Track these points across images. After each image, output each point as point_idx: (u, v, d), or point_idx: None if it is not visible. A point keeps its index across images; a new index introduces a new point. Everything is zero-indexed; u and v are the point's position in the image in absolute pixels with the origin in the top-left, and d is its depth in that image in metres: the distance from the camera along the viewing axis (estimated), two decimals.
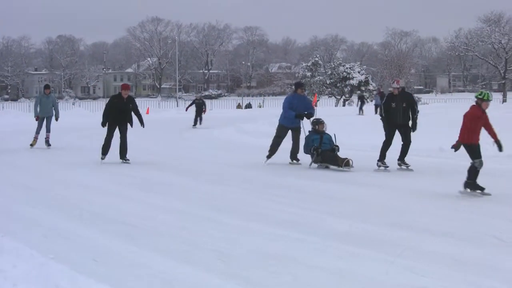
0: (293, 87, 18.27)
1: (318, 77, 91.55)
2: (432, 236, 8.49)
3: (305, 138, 16.77)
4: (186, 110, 40.33)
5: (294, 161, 17.20)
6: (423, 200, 11.40)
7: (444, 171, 15.13)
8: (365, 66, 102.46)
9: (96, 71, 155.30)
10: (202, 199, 11.71)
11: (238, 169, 16.10)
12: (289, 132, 17.32)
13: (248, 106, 77.92)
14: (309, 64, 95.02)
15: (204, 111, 36.83)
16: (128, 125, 17.72)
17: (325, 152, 16.15)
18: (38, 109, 22.37)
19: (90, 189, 13.12)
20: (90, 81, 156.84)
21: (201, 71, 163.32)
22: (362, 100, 55.90)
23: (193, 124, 36.15)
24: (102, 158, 17.43)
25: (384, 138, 15.80)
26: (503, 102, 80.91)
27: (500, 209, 10.47)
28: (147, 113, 53.48)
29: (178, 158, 18.97)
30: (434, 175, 14.66)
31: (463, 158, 13.16)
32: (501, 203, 10.94)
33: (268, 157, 17.21)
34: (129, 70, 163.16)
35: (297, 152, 17.19)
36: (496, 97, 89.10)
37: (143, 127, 17.75)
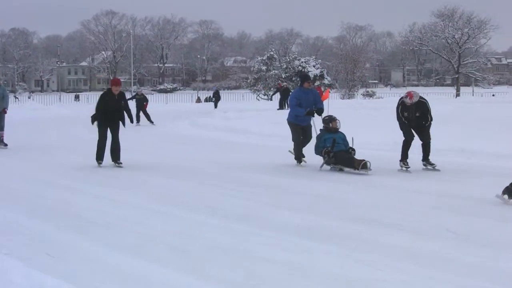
0: (299, 80, 16.57)
1: (274, 71, 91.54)
2: (387, 230, 8.54)
3: (316, 137, 15.18)
4: None
5: (298, 163, 15.63)
6: (378, 193, 11.49)
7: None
8: (320, 60, 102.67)
9: (50, 64, 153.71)
10: (156, 193, 11.66)
11: (192, 163, 16.05)
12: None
13: (209, 99, 77.45)
14: (264, 58, 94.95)
15: (145, 106, 33.58)
16: (121, 124, 15.86)
17: (339, 153, 14.42)
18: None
19: (43, 184, 12.99)
20: (44, 74, 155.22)
21: (156, 64, 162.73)
22: (286, 93, 52.72)
23: (136, 121, 29.50)
24: (100, 164, 15.55)
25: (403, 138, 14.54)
26: (456, 96, 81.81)
27: (454, 202, 10.57)
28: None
29: (132, 152, 18.85)
30: (388, 170, 14.73)
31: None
32: (452, 197, 11.05)
33: (298, 160, 15.63)
34: (84, 63, 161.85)
35: (303, 146, 15.73)
36: (450, 91, 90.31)
37: (132, 122, 17.00)
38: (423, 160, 14.45)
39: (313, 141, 15.41)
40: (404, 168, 14.25)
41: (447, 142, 16.85)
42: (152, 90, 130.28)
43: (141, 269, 6.78)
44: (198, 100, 78.90)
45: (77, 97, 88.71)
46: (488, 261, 7.00)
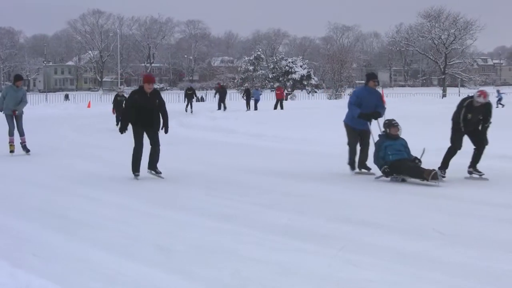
0: (365, 78, 14.64)
1: (261, 71, 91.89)
2: (374, 230, 8.54)
3: (375, 143, 13.54)
4: (113, 112, 30.24)
5: (364, 170, 14.05)
6: (365, 194, 11.50)
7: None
8: (307, 61, 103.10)
9: (36, 64, 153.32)
10: (142, 193, 11.65)
11: (178, 164, 16.01)
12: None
13: (201, 99, 77.05)
14: (251, 58, 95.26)
15: None
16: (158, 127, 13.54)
17: (402, 162, 12.81)
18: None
19: (29, 183, 12.94)
20: (30, 74, 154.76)
21: (143, 64, 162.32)
22: (248, 93, 51.50)
23: (116, 123, 28.70)
24: (137, 176, 13.37)
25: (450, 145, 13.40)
26: (442, 97, 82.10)
27: (440, 202, 10.59)
28: (89, 106, 53.00)
29: (118, 152, 18.79)
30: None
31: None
32: (441, 197, 11.07)
33: (352, 166, 14.15)
34: (70, 63, 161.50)
35: (366, 160, 14.08)
36: (436, 92, 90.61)
37: (167, 132, 13.67)
38: (470, 167, 13.23)
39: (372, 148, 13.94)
40: (442, 176, 12.65)
41: (433, 141, 16.86)
42: None
43: (128, 269, 6.75)
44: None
45: (66, 97, 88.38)
46: (477, 261, 7.01)
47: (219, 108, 45.98)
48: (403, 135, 13.23)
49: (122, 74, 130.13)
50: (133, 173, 13.35)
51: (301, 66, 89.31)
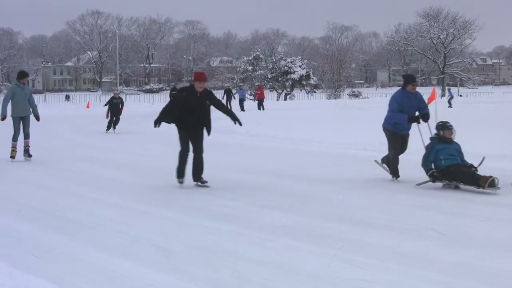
0: (402, 81, 13.52)
1: (260, 71, 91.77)
2: (373, 229, 8.55)
3: (426, 146, 12.59)
4: (107, 116, 28.54)
5: (395, 178, 13.05)
6: (364, 193, 11.50)
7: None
8: (306, 61, 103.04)
9: (35, 64, 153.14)
10: (141, 194, 11.64)
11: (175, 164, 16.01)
12: None
13: None
14: (250, 58, 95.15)
15: (121, 111, 28.87)
16: (205, 132, 12.47)
17: (456, 168, 11.92)
18: (9, 106, 16.77)
19: (28, 184, 12.94)
20: (29, 74, 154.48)
21: (142, 65, 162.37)
22: (228, 93, 49.83)
23: (106, 127, 27.87)
24: (181, 182, 12.42)
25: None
26: (441, 96, 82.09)
27: (438, 202, 10.60)
28: (88, 107, 53.06)
29: (116, 153, 18.80)
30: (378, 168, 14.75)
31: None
32: (440, 197, 11.08)
33: (394, 174, 13.02)
34: (69, 63, 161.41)
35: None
36: (436, 91, 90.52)
37: (209, 134, 12.54)
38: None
39: (415, 151, 13.70)
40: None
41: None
42: (138, 90, 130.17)
43: (126, 269, 6.75)
44: None
45: (67, 97, 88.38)
46: (475, 260, 7.01)
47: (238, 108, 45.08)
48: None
49: (121, 74, 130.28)
50: (177, 179, 12.38)
51: (300, 66, 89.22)
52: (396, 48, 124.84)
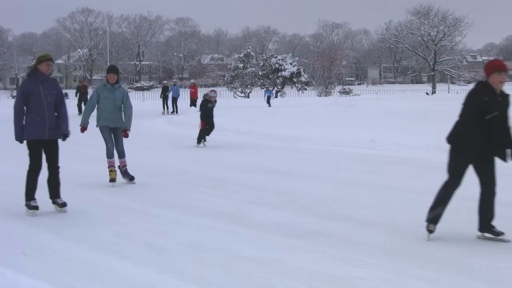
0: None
1: (250, 68, 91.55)
2: (364, 227, 8.56)
3: None
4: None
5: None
6: (356, 191, 11.51)
7: (382, 162, 15.28)
8: (297, 58, 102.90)
9: (25, 62, 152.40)
10: (133, 192, 11.64)
11: (171, 161, 16.01)
12: None
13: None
14: (241, 56, 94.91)
15: None
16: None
17: None
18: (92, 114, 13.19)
19: (17, 182, 12.88)
20: (19, 72, 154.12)
21: (133, 62, 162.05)
22: (165, 92, 43.81)
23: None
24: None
25: None
26: (432, 93, 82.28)
27: (428, 198, 10.60)
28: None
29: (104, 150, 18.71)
30: (375, 166, 14.79)
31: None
32: (429, 194, 11.09)
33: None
34: (59, 61, 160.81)
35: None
36: (426, 88, 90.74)
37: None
38: None
39: None
40: None
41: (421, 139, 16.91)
42: (129, 88, 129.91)
43: (117, 266, 6.75)
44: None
45: (65, 95, 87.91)
46: (468, 258, 7.03)
47: (80, 111, 40.17)
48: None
49: None
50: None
51: (290, 64, 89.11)
52: (387, 46, 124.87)
